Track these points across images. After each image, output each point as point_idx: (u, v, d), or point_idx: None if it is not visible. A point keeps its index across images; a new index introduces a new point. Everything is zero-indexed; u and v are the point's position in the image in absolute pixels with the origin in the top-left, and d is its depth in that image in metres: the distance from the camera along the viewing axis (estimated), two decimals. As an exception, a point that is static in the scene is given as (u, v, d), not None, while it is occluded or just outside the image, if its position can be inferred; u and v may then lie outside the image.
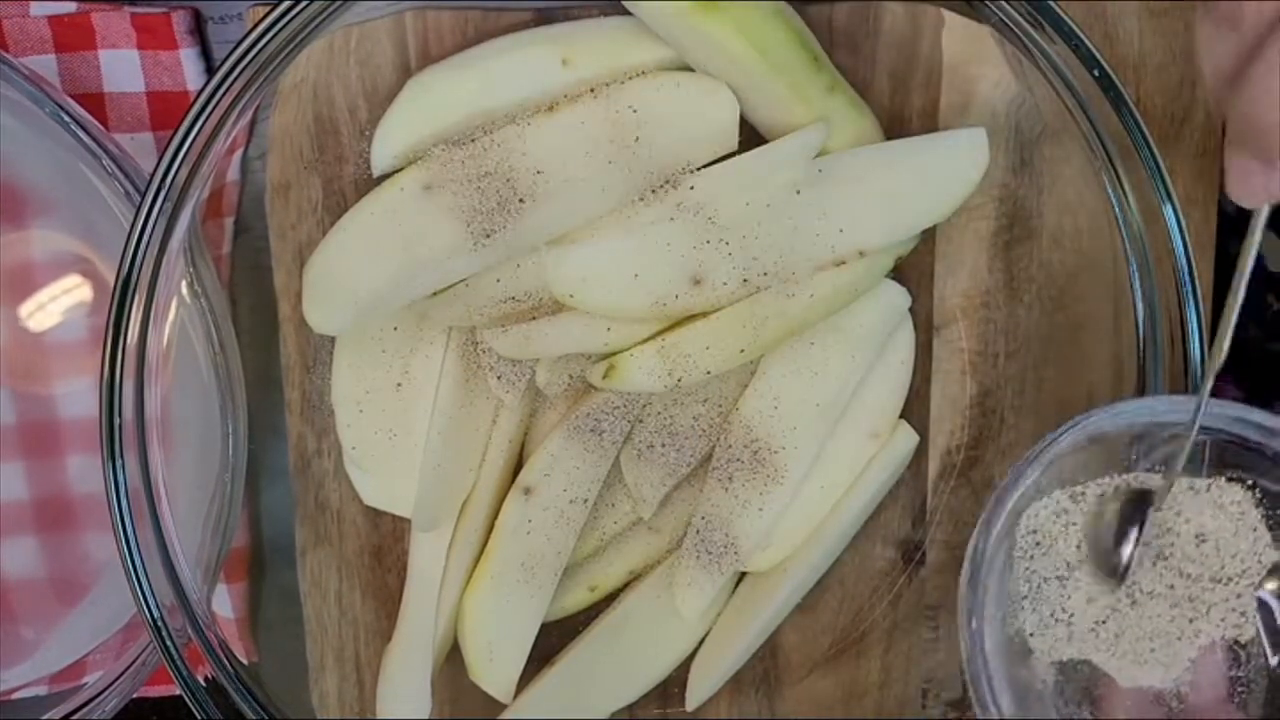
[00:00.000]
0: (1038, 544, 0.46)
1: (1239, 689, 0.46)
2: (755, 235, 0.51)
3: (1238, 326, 0.53)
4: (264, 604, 0.55)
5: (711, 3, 0.48)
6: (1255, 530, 0.45)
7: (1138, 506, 0.45)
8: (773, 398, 0.53)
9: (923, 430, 0.55)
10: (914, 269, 0.54)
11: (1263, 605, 0.46)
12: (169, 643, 0.47)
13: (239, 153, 0.52)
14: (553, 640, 0.56)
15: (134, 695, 0.52)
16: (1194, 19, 0.39)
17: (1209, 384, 0.44)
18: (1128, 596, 0.46)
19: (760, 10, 0.48)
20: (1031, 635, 0.46)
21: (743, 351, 0.52)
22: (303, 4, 0.45)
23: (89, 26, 0.53)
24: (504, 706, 0.55)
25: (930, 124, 0.52)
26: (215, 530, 0.50)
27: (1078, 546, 0.46)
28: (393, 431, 0.54)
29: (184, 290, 0.49)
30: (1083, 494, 0.46)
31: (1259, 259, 0.43)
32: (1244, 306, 0.55)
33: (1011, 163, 0.52)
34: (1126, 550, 0.45)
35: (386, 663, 0.55)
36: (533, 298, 0.52)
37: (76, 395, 0.55)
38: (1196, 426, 0.44)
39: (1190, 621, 0.45)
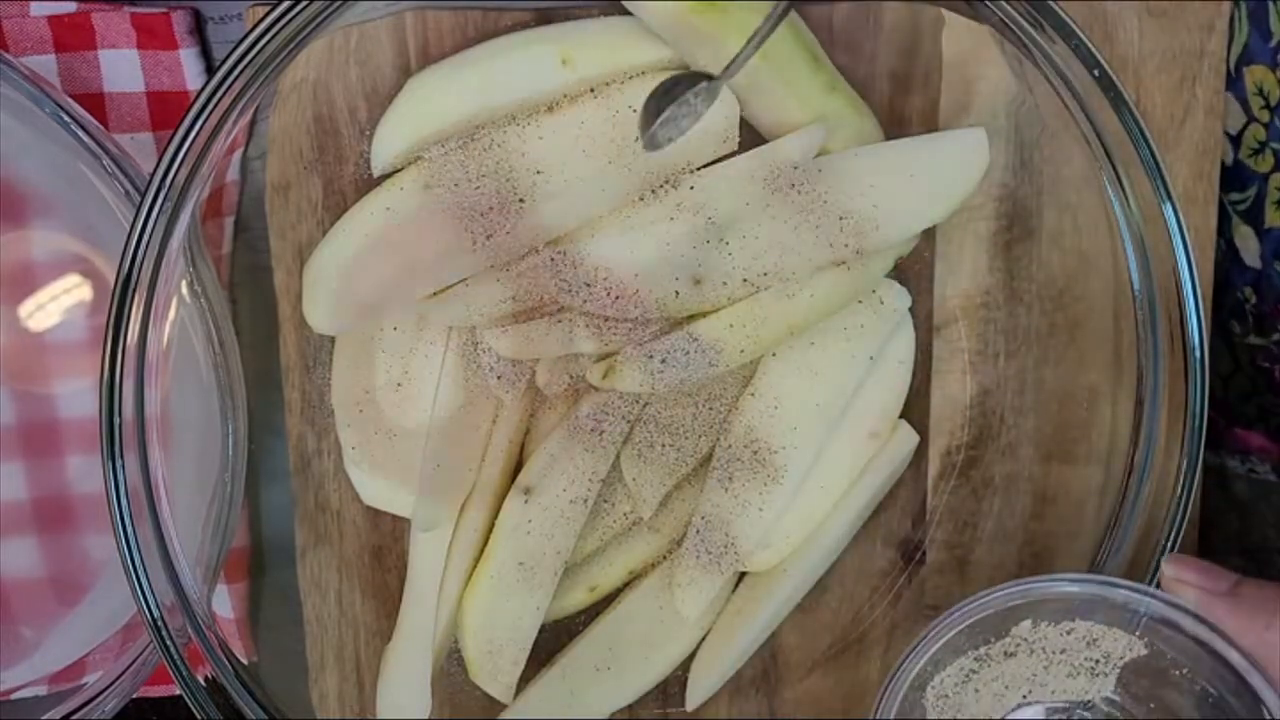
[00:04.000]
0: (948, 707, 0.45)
1: None
2: (755, 235, 0.51)
3: (1218, 321, 0.52)
4: (264, 604, 0.55)
5: (711, 3, 0.48)
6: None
7: None
8: (773, 398, 0.53)
9: (923, 430, 0.55)
10: (914, 269, 0.54)
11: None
12: (169, 643, 0.47)
13: (239, 152, 0.52)
14: (553, 640, 0.56)
15: (134, 695, 0.52)
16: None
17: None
18: None
19: (760, 10, 0.48)
20: None
21: (743, 351, 0.52)
22: (303, 4, 0.45)
23: (89, 26, 0.53)
24: (504, 706, 0.55)
25: (930, 124, 0.52)
26: (215, 530, 0.50)
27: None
28: (393, 431, 0.54)
29: (184, 290, 0.49)
30: (987, 655, 0.45)
31: (1235, 253, 0.42)
32: (1224, 302, 0.54)
33: (1011, 163, 0.52)
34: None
35: (386, 663, 0.55)
36: (533, 298, 0.52)
37: (76, 395, 0.55)
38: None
39: None
